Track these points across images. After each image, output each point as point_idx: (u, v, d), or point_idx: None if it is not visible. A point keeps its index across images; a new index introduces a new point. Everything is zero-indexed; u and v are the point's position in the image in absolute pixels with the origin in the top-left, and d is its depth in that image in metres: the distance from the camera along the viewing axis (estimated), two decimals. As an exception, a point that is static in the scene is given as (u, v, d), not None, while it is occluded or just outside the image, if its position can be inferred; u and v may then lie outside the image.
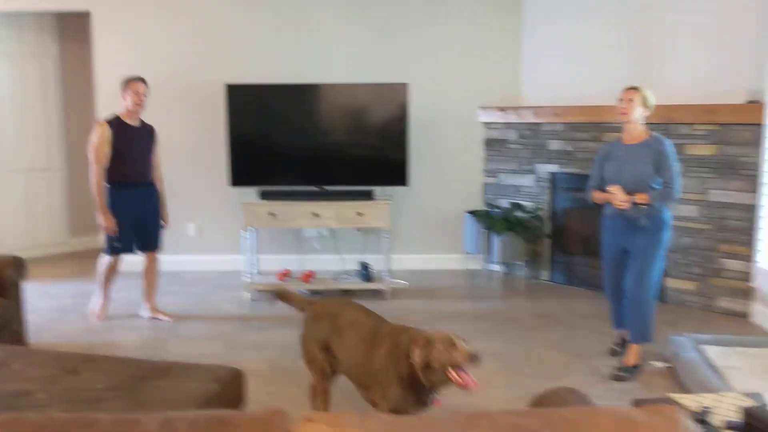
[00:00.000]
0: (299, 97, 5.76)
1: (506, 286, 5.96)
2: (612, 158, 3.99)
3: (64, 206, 7.20)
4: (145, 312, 5.01)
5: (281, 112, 5.75)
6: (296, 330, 4.71)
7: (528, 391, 2.62)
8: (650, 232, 3.87)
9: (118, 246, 4.79)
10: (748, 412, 1.85)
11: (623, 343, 4.21)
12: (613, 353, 4.25)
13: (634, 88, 3.92)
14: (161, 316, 4.97)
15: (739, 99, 4.83)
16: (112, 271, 4.92)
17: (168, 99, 6.04)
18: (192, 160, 6.23)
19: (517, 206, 6.02)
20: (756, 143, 4.74)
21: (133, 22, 6.15)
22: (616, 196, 3.85)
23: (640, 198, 3.81)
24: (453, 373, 2.60)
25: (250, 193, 5.70)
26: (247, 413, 1.55)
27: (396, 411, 2.75)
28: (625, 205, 3.83)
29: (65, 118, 7.12)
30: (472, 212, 6.20)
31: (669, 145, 3.89)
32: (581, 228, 5.96)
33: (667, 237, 3.92)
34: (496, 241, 5.91)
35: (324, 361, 3.20)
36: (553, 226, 6.03)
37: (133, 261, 5.10)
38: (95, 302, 4.99)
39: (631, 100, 3.88)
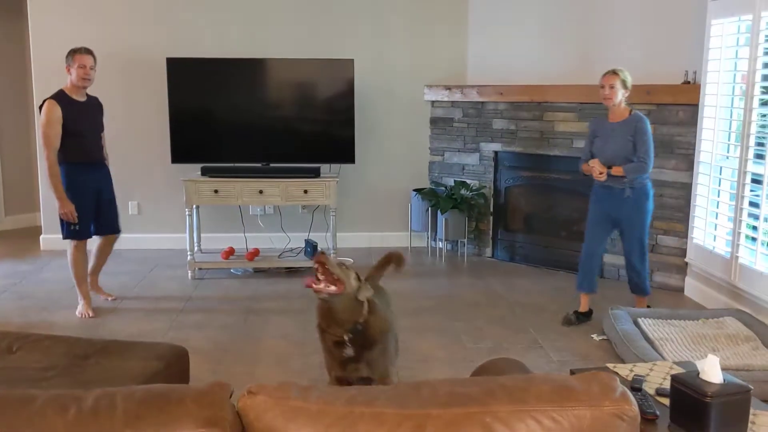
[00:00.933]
0: (244, 72, 5.67)
1: (451, 263, 6.03)
2: (600, 135, 4.34)
3: (-4, 184, 6.94)
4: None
5: (225, 88, 5.65)
6: (237, 308, 4.72)
7: (471, 365, 2.66)
8: (635, 202, 4.24)
9: (75, 230, 4.47)
10: (675, 379, 1.93)
11: (586, 314, 4.50)
12: (568, 323, 4.42)
13: (614, 73, 4.18)
14: (101, 294, 4.83)
15: (677, 80, 4.97)
16: (81, 262, 4.57)
17: (107, 73, 5.83)
18: (132, 137, 6.06)
19: (462, 184, 6.08)
20: (691, 123, 4.89)
21: (69, -8, 5.92)
22: (594, 169, 4.22)
23: (615, 171, 4.17)
24: (309, 282, 2.60)
25: (194, 170, 5.59)
26: (190, 386, 1.53)
27: (334, 377, 2.79)
28: (602, 177, 4.20)
29: (-4, 92, 6.83)
30: (417, 190, 6.24)
31: (646, 122, 4.22)
32: (524, 206, 6.07)
33: (650, 206, 4.31)
34: (441, 219, 5.96)
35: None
36: (497, 204, 6.12)
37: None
38: (80, 305, 4.60)
39: (612, 87, 4.17)
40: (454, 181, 6.20)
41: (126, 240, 6.07)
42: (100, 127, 4.62)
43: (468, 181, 6.13)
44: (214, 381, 1.52)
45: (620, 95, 4.18)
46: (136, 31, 6.00)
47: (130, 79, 6.04)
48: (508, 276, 5.62)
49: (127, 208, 6.09)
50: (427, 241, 6.31)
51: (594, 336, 4.22)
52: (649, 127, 4.21)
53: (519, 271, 5.78)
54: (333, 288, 2.56)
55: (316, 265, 2.56)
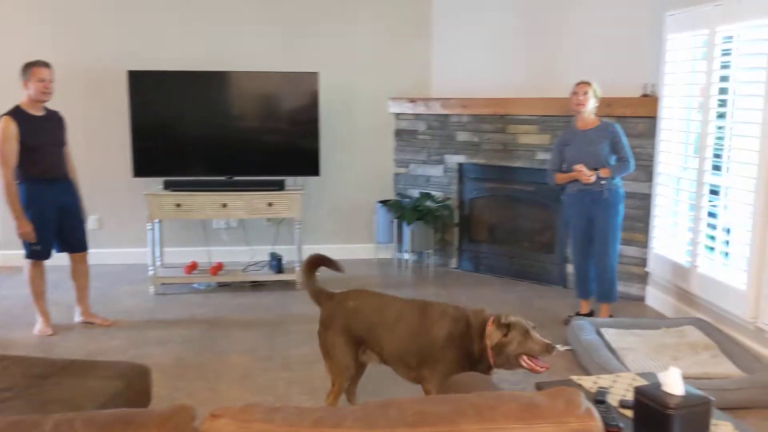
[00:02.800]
0: (207, 85, 5.61)
1: (416, 274, 6.04)
2: (570, 143, 4.52)
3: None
4: (78, 316, 4.67)
5: (188, 101, 5.58)
6: (200, 323, 4.65)
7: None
8: (610, 205, 4.44)
9: (37, 249, 4.33)
10: (638, 391, 1.95)
11: (588, 316, 4.60)
12: (566, 323, 4.53)
13: (587, 83, 4.45)
14: (96, 320, 4.64)
15: (636, 93, 5.07)
16: (38, 279, 4.43)
17: (67, 86, 5.75)
18: (93, 150, 5.95)
19: (427, 196, 6.11)
20: (651, 135, 4.99)
21: (29, 4, 5.80)
22: (583, 172, 4.37)
23: (604, 172, 4.39)
24: (527, 361, 2.69)
25: (156, 183, 5.51)
26: (152, 411, 1.50)
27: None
28: (591, 179, 4.36)
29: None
30: (383, 202, 6.24)
31: (619, 127, 4.51)
32: (488, 217, 6.12)
33: (623, 209, 4.52)
34: (407, 231, 5.97)
35: (351, 362, 3.14)
36: (462, 215, 6.16)
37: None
38: (38, 323, 4.47)
39: (586, 93, 4.43)
40: (420, 192, 6.22)
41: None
42: (62, 142, 4.48)
43: (433, 193, 6.16)
44: (177, 404, 1.49)
45: (591, 104, 4.44)
46: (97, 44, 5.91)
47: (90, 92, 5.94)
48: (473, 287, 5.64)
49: (88, 222, 5.96)
50: (393, 253, 6.31)
51: (558, 346, 4.26)
52: (623, 132, 4.50)
53: (484, 281, 5.82)
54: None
55: (543, 350, 2.69)
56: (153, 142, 5.53)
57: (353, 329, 3.10)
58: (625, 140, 4.45)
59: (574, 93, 4.46)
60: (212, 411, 1.44)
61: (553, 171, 4.62)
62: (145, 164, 5.51)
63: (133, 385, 2.77)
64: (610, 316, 4.56)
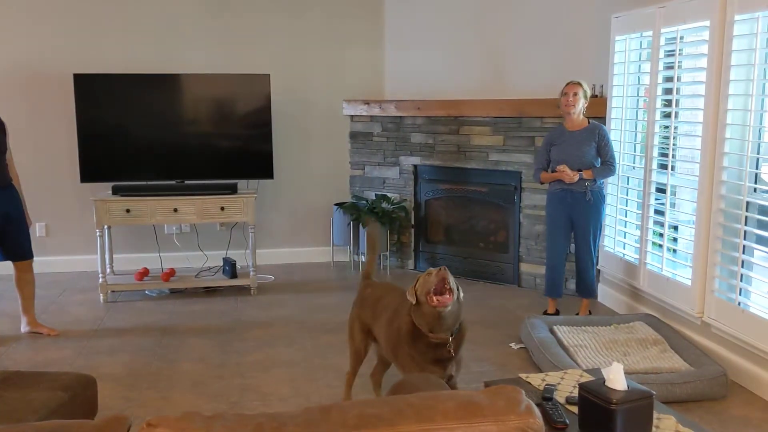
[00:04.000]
0: (156, 88, 5.52)
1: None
2: (558, 143, 4.53)
3: None
4: (24, 326, 4.51)
5: (137, 104, 5.48)
6: (152, 331, 4.57)
7: (394, 380, 2.65)
8: (593, 206, 4.49)
9: None
10: (582, 387, 1.97)
11: (554, 315, 4.65)
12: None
13: (578, 83, 4.45)
14: (43, 330, 4.50)
15: (585, 94, 5.15)
16: None
17: (10, 90, 5.61)
18: (39, 156, 5.80)
19: (383, 198, 6.11)
20: (599, 135, 5.07)
21: (-34, 4, 5.64)
22: (566, 172, 4.40)
23: (587, 174, 4.42)
24: (432, 298, 2.64)
25: (104, 189, 5.40)
26: (86, 422, 1.46)
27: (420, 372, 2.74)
28: (574, 179, 4.39)
29: None
30: (339, 204, 6.22)
31: (606, 130, 4.57)
32: (444, 218, 6.15)
33: (605, 209, 4.64)
34: (364, 233, 5.96)
35: (361, 347, 3.28)
36: (417, 216, 6.18)
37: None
38: None
39: (576, 94, 4.43)
40: (375, 194, 6.22)
41: (33, 263, 5.80)
42: (2, 148, 4.36)
43: (389, 195, 6.16)
44: (112, 414, 1.45)
45: (581, 104, 4.45)
46: (41, 47, 5.76)
47: (34, 96, 5.78)
48: (429, 288, 5.65)
49: (34, 229, 5.80)
50: (350, 255, 6.29)
51: (512, 345, 4.30)
52: (609, 134, 4.58)
53: (440, 282, 5.82)
54: (449, 297, 2.67)
55: (438, 280, 2.64)
56: (101, 147, 5.41)
57: (362, 317, 3.25)
58: (611, 143, 4.51)
59: (564, 94, 4.46)
60: (148, 420, 1.40)
61: (539, 170, 4.65)
62: (92, 169, 5.39)
63: (78, 397, 2.70)
64: (590, 312, 4.70)
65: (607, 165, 4.48)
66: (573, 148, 4.47)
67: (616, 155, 4.70)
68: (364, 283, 3.42)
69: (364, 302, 3.27)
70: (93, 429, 1.41)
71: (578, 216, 4.52)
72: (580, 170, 4.43)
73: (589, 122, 4.53)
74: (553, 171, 4.52)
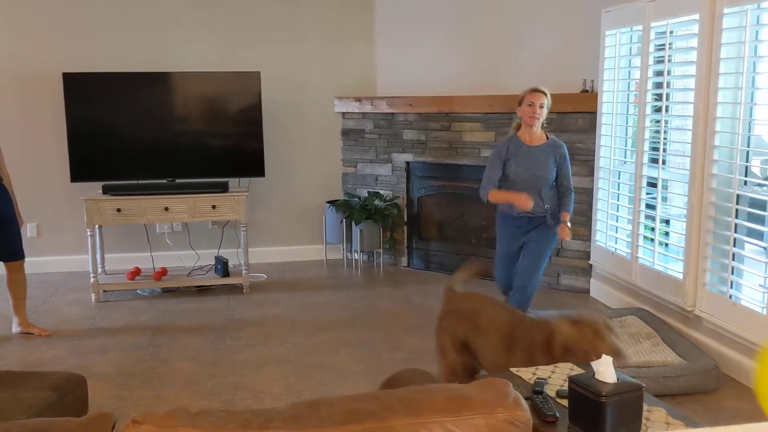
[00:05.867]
0: (146, 87, 5.49)
1: (367, 274, 6.02)
2: (515, 158, 4.00)
3: None
4: (15, 327, 4.49)
5: (127, 103, 5.45)
6: (144, 330, 4.55)
7: (387, 377, 2.65)
8: (549, 227, 4.04)
9: None
10: (572, 380, 1.97)
11: None
12: None
13: (543, 93, 3.96)
14: (34, 330, 4.47)
15: (576, 89, 5.15)
16: None
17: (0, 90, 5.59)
18: (30, 156, 5.76)
19: (376, 195, 6.10)
20: (591, 130, 5.07)
21: (-46, 4, 5.60)
22: (565, 232, 3.97)
23: (564, 216, 4.01)
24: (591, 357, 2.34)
25: (95, 188, 5.37)
26: (71, 419, 1.44)
27: None
28: (528, 207, 3.84)
29: None
30: (331, 202, 6.21)
31: (565, 147, 4.11)
32: (436, 215, 6.14)
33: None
34: (356, 231, 5.95)
35: (457, 362, 3.04)
36: (410, 213, 6.17)
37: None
38: None
39: (542, 106, 3.95)
40: (368, 192, 6.21)
41: (25, 264, 5.77)
42: None
43: (381, 192, 6.15)
44: (97, 412, 1.44)
45: (545, 116, 4.01)
46: (30, 46, 5.72)
47: (24, 95, 5.75)
48: (423, 284, 5.66)
49: (25, 230, 5.77)
50: (343, 253, 6.28)
51: (505, 340, 4.29)
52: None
53: (434, 278, 5.83)
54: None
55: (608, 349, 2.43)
56: (91, 146, 5.38)
57: (458, 331, 3.04)
58: (569, 165, 4.09)
59: (530, 104, 3.93)
60: (133, 417, 1.39)
61: (489, 186, 4.01)
62: (83, 168, 5.36)
63: (67, 396, 2.68)
64: None
65: (568, 191, 4.06)
66: (535, 165, 3.96)
67: (608, 150, 4.69)
68: (453, 295, 3.22)
69: (460, 315, 3.08)
70: (77, 426, 1.39)
71: (533, 238, 4.04)
72: (540, 190, 3.97)
73: (547, 137, 4.06)
74: (511, 190, 3.96)
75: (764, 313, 3.44)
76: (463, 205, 5.97)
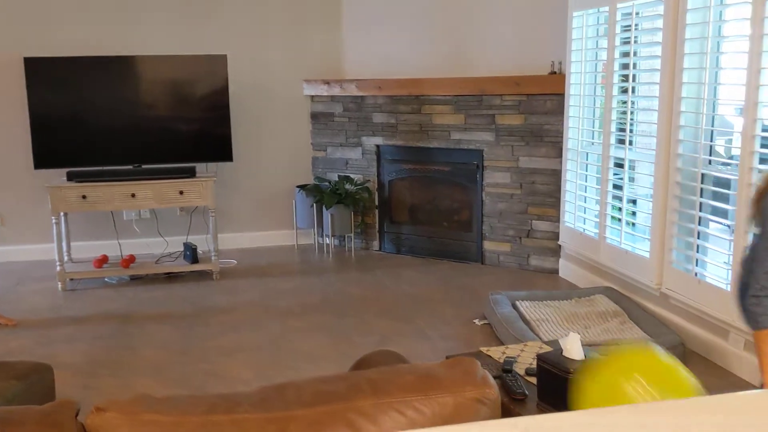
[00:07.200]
0: (110, 71, 5.38)
1: (338, 258, 6.01)
2: None
3: None
4: None
5: (90, 87, 5.34)
6: (112, 319, 4.49)
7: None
8: None
9: None
10: (540, 358, 1.99)
11: None
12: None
13: None
14: (0, 320, 4.39)
15: (545, 71, 5.17)
16: None
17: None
18: (-11, 142, 5.64)
19: (346, 179, 6.07)
20: (559, 112, 5.10)
21: None
22: None
23: None
24: None
25: (59, 175, 5.26)
26: (31, 408, 1.41)
27: None
28: None
29: None
30: (301, 186, 6.17)
31: None
32: (407, 198, 6.14)
33: None
34: (327, 215, 5.93)
35: None
36: (381, 197, 6.16)
37: None
38: None
39: None
40: (338, 176, 6.18)
41: (-13, 253, 5.66)
42: None
43: (352, 176, 6.13)
44: (59, 399, 1.41)
45: None
46: (-12, 28, 5.57)
47: (-17, 80, 5.60)
48: (395, 268, 5.66)
49: (-13, 219, 5.66)
50: (314, 238, 6.25)
51: (476, 321, 4.33)
52: None
53: (406, 262, 5.84)
54: None
55: None
56: (54, 132, 5.26)
57: None
58: None
59: None
60: (97, 404, 1.37)
61: None
62: (46, 155, 5.25)
63: (34, 386, 2.63)
64: None
65: None
66: None
67: (576, 132, 4.71)
68: None
69: None
70: (39, 414, 1.37)
71: None
72: None
73: None
74: None
75: (728, 289, 3.51)
76: (434, 189, 5.97)
